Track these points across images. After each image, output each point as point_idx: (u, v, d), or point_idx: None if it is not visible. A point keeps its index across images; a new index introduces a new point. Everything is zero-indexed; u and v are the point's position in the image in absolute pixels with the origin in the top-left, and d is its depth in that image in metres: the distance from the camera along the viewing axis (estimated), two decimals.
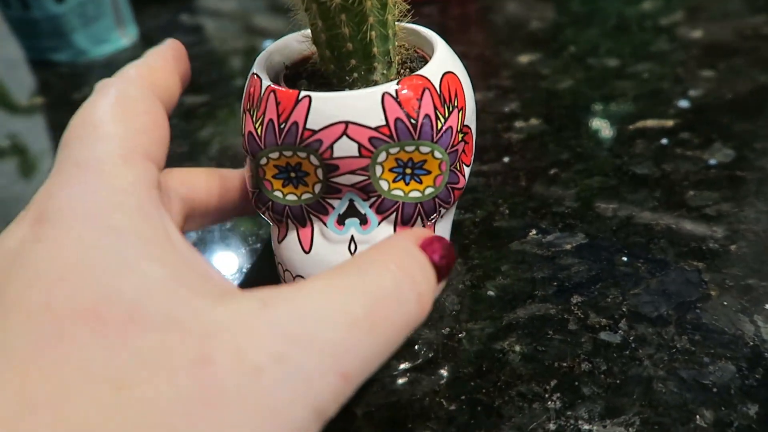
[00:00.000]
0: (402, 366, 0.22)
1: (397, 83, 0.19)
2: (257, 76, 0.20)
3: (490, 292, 0.24)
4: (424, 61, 0.23)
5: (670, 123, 0.34)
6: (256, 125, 0.19)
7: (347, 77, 0.21)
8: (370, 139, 0.19)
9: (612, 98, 0.36)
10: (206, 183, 0.21)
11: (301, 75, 0.22)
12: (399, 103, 0.19)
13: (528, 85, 0.39)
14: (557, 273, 0.25)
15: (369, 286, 0.15)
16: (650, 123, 0.34)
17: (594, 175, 0.30)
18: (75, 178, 0.15)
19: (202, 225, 0.23)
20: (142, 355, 0.12)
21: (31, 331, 0.12)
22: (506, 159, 0.32)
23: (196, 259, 0.15)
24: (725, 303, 0.23)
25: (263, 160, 0.20)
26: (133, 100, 0.18)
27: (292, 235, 0.21)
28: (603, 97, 0.37)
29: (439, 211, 0.22)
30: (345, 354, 0.13)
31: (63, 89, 0.43)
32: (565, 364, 0.21)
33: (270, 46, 0.22)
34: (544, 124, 0.35)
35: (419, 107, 0.19)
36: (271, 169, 0.20)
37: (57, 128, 0.39)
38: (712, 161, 0.30)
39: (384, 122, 0.19)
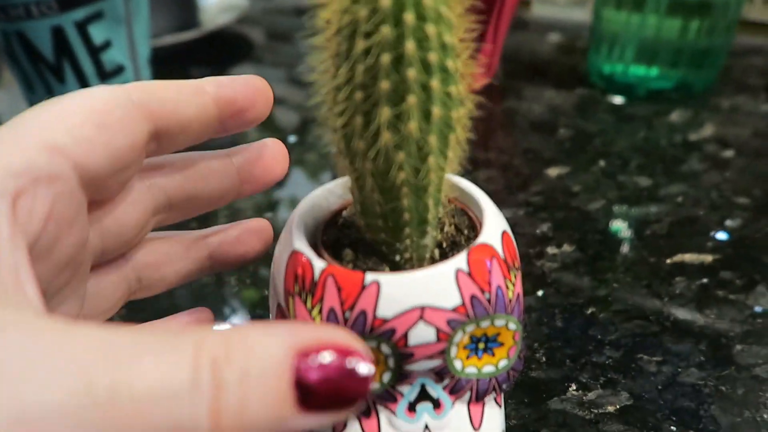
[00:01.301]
0: None
1: (467, 256, 0.18)
2: (302, 254, 0.19)
3: None
4: (465, 214, 0.22)
5: (709, 258, 0.32)
6: (313, 314, 0.18)
7: (398, 244, 0.19)
8: (448, 321, 0.18)
9: (647, 224, 0.35)
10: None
11: (342, 241, 0.21)
12: (472, 278, 0.18)
13: (559, 203, 0.38)
14: None
15: (139, 361, 0.11)
16: (688, 257, 0.33)
17: (633, 319, 0.29)
18: None
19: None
20: None
21: None
22: (540, 292, 0.31)
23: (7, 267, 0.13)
24: None
25: None
26: (90, 100, 0.17)
27: (354, 428, 0.19)
28: (638, 223, 0.36)
29: (512, 379, 0.20)
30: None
31: None
32: None
33: (298, 210, 0.21)
34: (578, 251, 0.33)
35: (490, 279, 0.18)
36: None
37: None
38: (758, 308, 0.29)
39: (460, 301, 0.18)
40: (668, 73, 0.51)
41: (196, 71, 0.61)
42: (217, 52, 0.66)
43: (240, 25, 0.73)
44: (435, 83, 0.16)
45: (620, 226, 0.35)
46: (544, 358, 0.27)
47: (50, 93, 0.42)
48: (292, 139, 0.47)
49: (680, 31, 0.49)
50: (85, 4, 0.39)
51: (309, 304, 0.18)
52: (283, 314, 0.20)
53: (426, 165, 0.17)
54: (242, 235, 0.23)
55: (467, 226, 0.22)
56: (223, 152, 0.22)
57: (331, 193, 0.23)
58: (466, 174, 0.39)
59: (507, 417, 0.24)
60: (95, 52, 0.41)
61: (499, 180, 0.40)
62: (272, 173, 0.23)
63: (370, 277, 0.18)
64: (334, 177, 0.23)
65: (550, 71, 0.58)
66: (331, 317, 0.18)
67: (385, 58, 0.15)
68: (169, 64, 0.61)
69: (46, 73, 0.41)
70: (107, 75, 0.43)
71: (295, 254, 0.19)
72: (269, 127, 0.50)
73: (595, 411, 0.24)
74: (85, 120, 0.16)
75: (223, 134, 0.20)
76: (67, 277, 0.17)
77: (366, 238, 0.20)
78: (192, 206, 0.22)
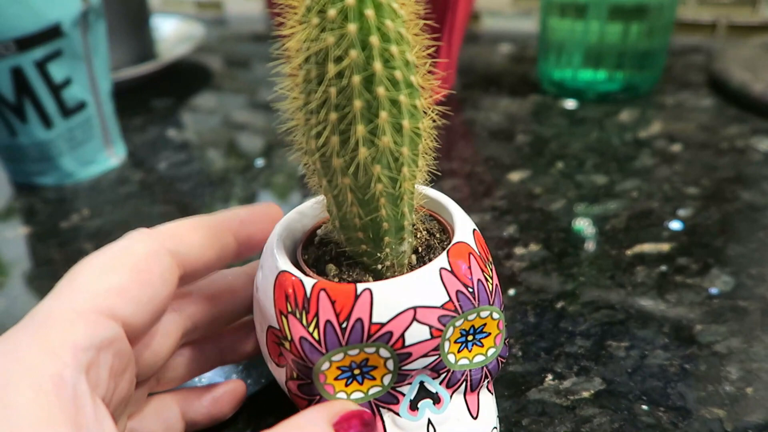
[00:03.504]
0: None
1: (447, 256, 0.19)
2: (290, 274, 0.20)
3: None
4: (434, 219, 0.24)
5: (666, 247, 0.34)
6: (310, 329, 0.19)
7: (379, 253, 0.20)
8: (439, 318, 0.19)
9: (606, 219, 0.37)
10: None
11: (323, 258, 0.22)
12: (455, 275, 0.19)
13: (522, 205, 0.39)
14: (580, 426, 0.24)
15: None
16: (647, 247, 0.35)
17: (601, 309, 0.30)
18: (22, 330, 0.16)
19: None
20: None
21: None
22: (512, 291, 0.32)
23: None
24: None
25: (325, 365, 0.19)
26: (132, 257, 0.19)
27: None
28: (597, 219, 0.38)
29: (500, 365, 0.22)
30: None
31: (49, 217, 0.42)
32: None
33: (275, 234, 0.22)
34: (545, 249, 0.35)
35: (471, 274, 0.20)
36: (334, 372, 0.19)
37: (44, 264, 0.38)
38: (714, 290, 0.31)
39: (447, 298, 0.19)
40: (614, 76, 0.53)
41: (157, 101, 0.61)
42: (177, 82, 0.66)
43: (198, 54, 0.73)
44: (403, 98, 0.17)
45: (582, 224, 0.37)
46: (520, 353, 0.28)
47: (12, 133, 0.42)
48: (259, 162, 0.48)
49: (622, 35, 0.52)
50: (44, 43, 0.40)
51: (305, 321, 0.19)
52: (275, 336, 0.20)
53: (401, 174, 0.19)
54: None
55: (438, 230, 0.23)
56: (241, 270, 0.25)
57: (303, 215, 0.24)
58: (432, 184, 0.41)
59: None
60: (56, 89, 0.42)
61: (464, 188, 0.42)
62: None
63: (361, 286, 0.19)
64: (305, 196, 0.24)
65: (504, 81, 0.60)
66: (329, 329, 0.19)
67: (356, 79, 0.17)
68: (130, 96, 0.61)
69: (8, 114, 0.41)
70: (69, 111, 0.43)
71: (282, 275, 0.20)
72: (235, 153, 0.50)
73: (572, 398, 0.26)
74: (132, 280, 0.18)
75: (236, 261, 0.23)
76: (124, 406, 0.19)
77: (345, 252, 0.21)
78: (214, 327, 0.24)
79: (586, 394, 0.26)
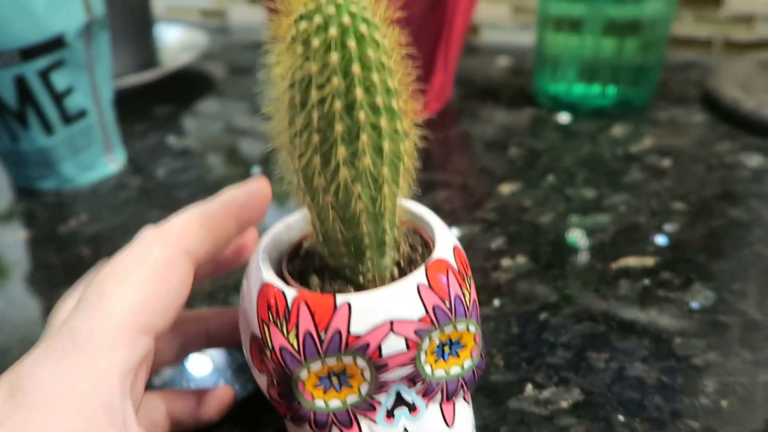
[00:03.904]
0: None
1: (425, 271, 0.20)
2: (273, 285, 0.20)
3: None
4: (417, 234, 0.24)
5: (650, 261, 0.35)
6: (290, 338, 0.20)
7: (361, 267, 0.21)
8: (416, 331, 0.20)
9: (593, 233, 0.38)
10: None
11: (307, 270, 0.23)
12: (432, 290, 0.20)
13: (512, 218, 0.40)
14: None
15: None
16: (631, 261, 0.35)
17: (583, 321, 0.31)
18: (62, 350, 0.17)
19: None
20: None
21: None
22: (496, 302, 0.33)
23: None
24: None
25: (304, 374, 0.20)
26: (151, 265, 0.20)
27: None
28: (585, 232, 0.38)
29: (477, 377, 0.22)
30: None
31: (48, 222, 0.43)
32: None
33: (261, 245, 0.23)
34: (531, 262, 0.36)
35: (448, 289, 0.20)
36: (312, 380, 0.20)
37: (42, 268, 0.39)
38: (695, 304, 0.32)
39: (424, 311, 0.20)
40: (608, 90, 0.54)
41: (159, 108, 0.62)
42: (180, 89, 0.67)
43: (201, 62, 0.74)
44: (383, 122, 0.18)
45: (569, 237, 0.38)
46: (502, 363, 0.29)
47: (14, 138, 0.43)
48: (255, 171, 0.49)
49: (616, 49, 0.53)
50: (47, 54, 0.41)
51: (285, 330, 0.20)
52: (258, 344, 0.21)
53: (381, 194, 0.19)
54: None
55: (421, 244, 0.24)
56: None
57: (290, 227, 0.25)
58: (425, 195, 0.42)
59: None
60: (58, 98, 0.43)
61: (456, 199, 0.43)
62: None
63: (340, 298, 0.19)
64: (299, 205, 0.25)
65: (501, 93, 0.61)
66: (308, 339, 0.19)
67: (338, 105, 0.17)
68: (132, 102, 0.62)
69: (10, 120, 0.42)
70: (70, 119, 0.44)
71: (265, 286, 0.21)
72: (234, 159, 0.51)
73: (550, 407, 0.27)
74: (155, 292, 0.19)
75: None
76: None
77: (329, 265, 0.22)
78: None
79: (564, 404, 0.27)
